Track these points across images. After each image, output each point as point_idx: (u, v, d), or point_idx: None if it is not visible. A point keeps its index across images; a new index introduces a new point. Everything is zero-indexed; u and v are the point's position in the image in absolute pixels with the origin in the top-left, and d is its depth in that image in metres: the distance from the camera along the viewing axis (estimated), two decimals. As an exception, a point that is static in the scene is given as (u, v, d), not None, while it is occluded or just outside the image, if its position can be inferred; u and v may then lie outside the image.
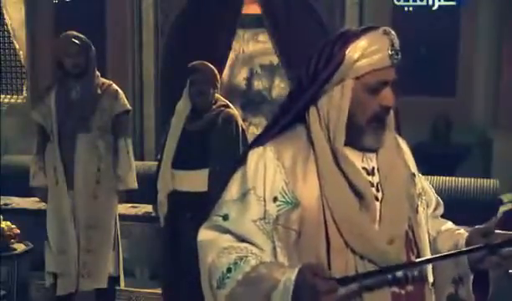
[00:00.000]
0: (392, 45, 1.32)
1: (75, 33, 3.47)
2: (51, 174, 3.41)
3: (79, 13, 5.43)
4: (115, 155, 3.46)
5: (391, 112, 1.38)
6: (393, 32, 1.34)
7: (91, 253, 3.41)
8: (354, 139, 1.32)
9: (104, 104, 3.43)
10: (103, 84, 3.49)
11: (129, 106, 3.57)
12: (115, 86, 3.55)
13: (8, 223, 3.66)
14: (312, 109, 1.35)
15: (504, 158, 4.73)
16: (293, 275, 1.21)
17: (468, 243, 1.36)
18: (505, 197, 4.38)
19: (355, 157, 1.34)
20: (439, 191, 4.28)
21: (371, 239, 1.29)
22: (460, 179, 4.46)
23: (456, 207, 4.01)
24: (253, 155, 1.36)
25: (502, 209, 4.25)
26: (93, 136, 3.38)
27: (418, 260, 1.33)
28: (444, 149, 4.90)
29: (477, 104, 4.99)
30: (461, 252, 1.34)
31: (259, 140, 1.40)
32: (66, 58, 3.37)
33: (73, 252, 3.38)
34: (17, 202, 4.74)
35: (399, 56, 1.32)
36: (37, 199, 4.71)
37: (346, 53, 1.31)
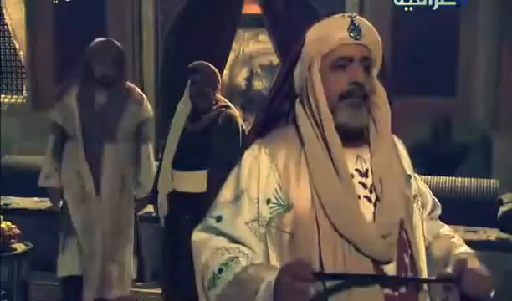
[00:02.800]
0: (352, 23, 1.34)
1: (112, 40, 3.37)
2: (72, 178, 3.30)
3: (78, 13, 5.43)
4: (136, 162, 3.40)
5: (385, 111, 1.37)
6: (356, 15, 1.37)
7: (115, 263, 3.36)
8: (335, 122, 1.33)
9: (130, 110, 3.33)
10: (128, 88, 3.40)
11: (152, 113, 3.50)
12: (138, 90, 3.45)
13: (8, 223, 3.66)
14: (297, 102, 1.38)
15: (504, 158, 4.73)
16: (273, 277, 1.22)
17: (455, 266, 1.32)
18: (505, 197, 4.38)
19: (349, 159, 1.34)
20: (439, 191, 4.33)
21: (358, 223, 1.29)
22: (460, 179, 4.46)
23: (456, 207, 4.04)
24: (248, 157, 1.37)
25: (502, 209, 4.26)
26: (119, 144, 3.29)
27: (389, 275, 1.30)
28: (444, 149, 4.90)
29: (477, 105, 4.99)
30: (434, 281, 1.34)
31: (253, 139, 1.41)
32: (97, 65, 3.24)
33: (98, 259, 3.31)
34: (17, 202, 4.74)
35: (360, 33, 1.33)
36: (37, 199, 4.74)
37: (306, 36, 1.36)
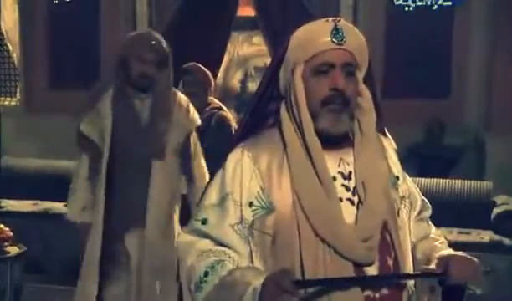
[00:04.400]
0: (335, 27, 1.33)
1: (154, 33, 2.72)
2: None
3: (72, 15, 5.43)
4: (188, 180, 2.80)
5: (370, 113, 1.38)
6: (341, 19, 1.37)
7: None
8: (316, 127, 1.33)
9: (177, 120, 2.67)
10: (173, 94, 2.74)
11: (200, 121, 2.83)
12: (181, 94, 2.82)
13: (1, 226, 3.65)
14: (283, 105, 1.38)
15: (497, 160, 4.75)
16: (259, 282, 1.23)
17: (438, 263, 1.35)
18: (499, 199, 4.40)
19: (331, 162, 1.35)
20: (433, 193, 4.36)
21: (339, 227, 1.29)
22: (454, 181, 4.47)
23: (450, 209, 4.06)
24: (231, 160, 1.38)
25: (495, 211, 4.27)
26: (167, 163, 2.62)
27: (368, 275, 1.31)
28: (438, 151, 4.92)
29: (470, 106, 5.02)
30: (419, 275, 1.36)
31: (237, 142, 1.41)
32: (136, 63, 2.58)
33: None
34: (12, 205, 4.73)
35: (343, 38, 1.33)
36: (31, 202, 4.72)
37: (290, 40, 1.36)
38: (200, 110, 3.31)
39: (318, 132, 1.33)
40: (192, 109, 2.79)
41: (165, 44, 2.64)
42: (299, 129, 1.34)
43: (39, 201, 4.80)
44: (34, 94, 5.60)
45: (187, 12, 5.23)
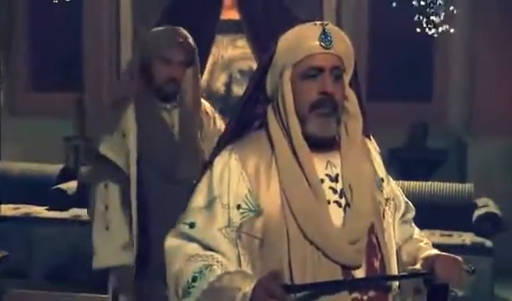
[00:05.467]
0: (324, 32, 1.34)
1: (181, 29, 2.29)
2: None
3: (54, 17, 5.39)
4: None
5: (356, 117, 1.39)
6: (328, 23, 1.38)
7: None
8: (303, 131, 1.34)
9: (207, 132, 2.34)
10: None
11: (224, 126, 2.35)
12: (204, 101, 2.45)
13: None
14: (269, 108, 1.38)
15: (479, 163, 4.81)
16: (249, 287, 1.23)
17: (423, 264, 1.37)
18: (480, 201, 4.45)
19: (318, 164, 1.35)
20: (415, 196, 4.39)
21: (328, 230, 1.30)
22: (436, 183, 4.52)
23: (432, 212, 4.10)
24: (218, 163, 1.38)
25: (477, 213, 4.32)
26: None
27: (359, 278, 1.33)
28: (421, 153, 4.97)
29: (452, 110, 5.08)
30: (407, 276, 1.38)
31: (224, 144, 1.41)
32: (162, 67, 2.20)
33: None
34: (-8, 209, 4.67)
35: (331, 42, 1.34)
36: (12, 206, 4.66)
37: (278, 44, 1.36)
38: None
39: (305, 136, 1.34)
40: (217, 116, 2.46)
41: (191, 40, 2.26)
42: (287, 132, 1.34)
43: (21, 205, 4.74)
44: (16, 97, 5.54)
45: (171, 14, 5.22)
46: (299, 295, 1.25)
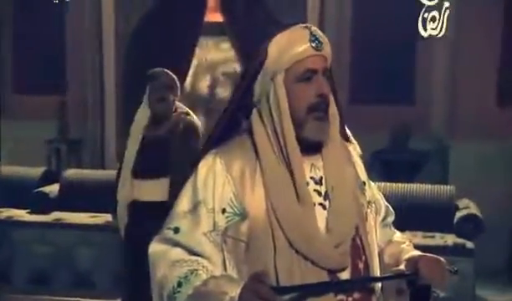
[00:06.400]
0: (312, 34, 1.35)
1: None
2: None
3: (37, 21, 5.34)
4: None
5: (336, 119, 1.40)
6: (313, 26, 1.39)
7: None
8: (298, 134, 1.34)
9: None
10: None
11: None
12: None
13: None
14: (254, 113, 1.38)
15: (460, 165, 4.87)
16: (236, 292, 1.23)
17: (407, 265, 1.38)
18: (461, 203, 4.50)
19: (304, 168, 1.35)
20: (398, 198, 4.42)
21: (314, 237, 1.31)
22: (418, 185, 4.56)
23: (414, 213, 4.13)
24: (203, 167, 1.37)
25: (458, 215, 4.37)
26: None
27: (348, 279, 1.34)
28: (403, 156, 5.01)
29: (435, 113, 5.13)
30: (391, 277, 1.38)
31: (209, 148, 1.41)
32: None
33: None
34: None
35: (321, 44, 1.35)
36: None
37: (268, 49, 1.35)
38: (167, 115, 3.30)
39: (298, 139, 1.34)
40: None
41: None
42: (277, 136, 1.33)
43: (2, 209, 4.69)
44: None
45: (155, 17, 5.20)
46: (286, 297, 1.25)
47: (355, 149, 1.51)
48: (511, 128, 4.85)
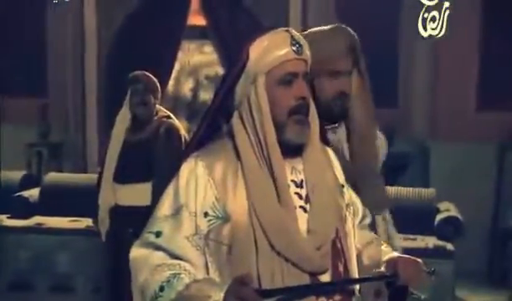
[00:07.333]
0: (292, 38, 1.36)
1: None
2: None
3: (18, 23, 5.29)
4: None
5: (316, 123, 1.41)
6: (293, 30, 1.40)
7: None
8: (279, 137, 1.35)
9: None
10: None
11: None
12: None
13: None
14: (235, 116, 1.38)
15: (441, 167, 4.92)
16: (219, 295, 1.23)
17: (385, 266, 1.41)
18: (442, 206, 4.55)
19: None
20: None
21: (295, 240, 1.31)
22: (399, 188, 4.59)
23: (395, 216, 4.14)
24: (185, 170, 1.37)
25: (439, 217, 4.42)
26: None
27: (329, 281, 1.35)
28: (386, 159, 5.03)
29: (416, 116, 5.18)
30: (372, 279, 1.40)
31: (190, 151, 1.41)
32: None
33: None
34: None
35: (301, 48, 1.37)
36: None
37: (250, 52, 1.36)
38: (148, 119, 3.29)
39: (279, 142, 1.34)
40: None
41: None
42: (258, 139, 1.34)
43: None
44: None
45: (137, 21, 5.18)
46: (268, 300, 1.25)
47: (332, 152, 1.52)
48: (491, 131, 4.92)
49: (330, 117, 1.74)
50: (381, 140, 1.48)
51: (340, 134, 1.80)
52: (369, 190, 1.69)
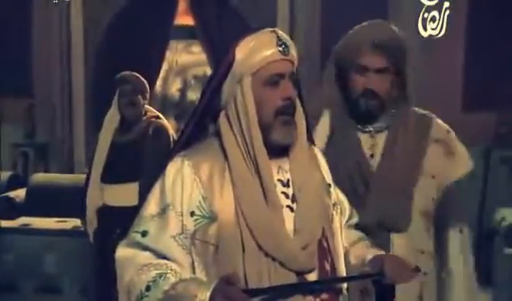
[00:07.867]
0: (279, 39, 1.37)
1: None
2: None
3: (3, 25, 5.24)
4: None
5: (302, 123, 1.41)
6: (279, 31, 1.40)
7: None
8: (266, 138, 1.35)
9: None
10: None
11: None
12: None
13: None
14: (222, 116, 1.38)
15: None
16: (205, 295, 1.23)
17: (372, 265, 1.42)
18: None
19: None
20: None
21: (282, 240, 1.32)
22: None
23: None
24: (171, 169, 1.37)
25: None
26: None
27: (316, 280, 1.36)
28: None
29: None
30: (358, 277, 1.42)
31: (177, 151, 1.41)
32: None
33: None
34: None
35: (288, 49, 1.37)
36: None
37: (236, 52, 1.36)
38: (136, 119, 3.29)
39: (265, 143, 1.35)
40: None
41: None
42: (244, 139, 1.34)
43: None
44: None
45: (125, 21, 5.17)
46: (255, 299, 1.26)
47: (319, 152, 1.53)
48: (477, 133, 4.97)
49: (357, 115, 1.66)
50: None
51: (378, 139, 1.68)
52: (381, 198, 1.62)
